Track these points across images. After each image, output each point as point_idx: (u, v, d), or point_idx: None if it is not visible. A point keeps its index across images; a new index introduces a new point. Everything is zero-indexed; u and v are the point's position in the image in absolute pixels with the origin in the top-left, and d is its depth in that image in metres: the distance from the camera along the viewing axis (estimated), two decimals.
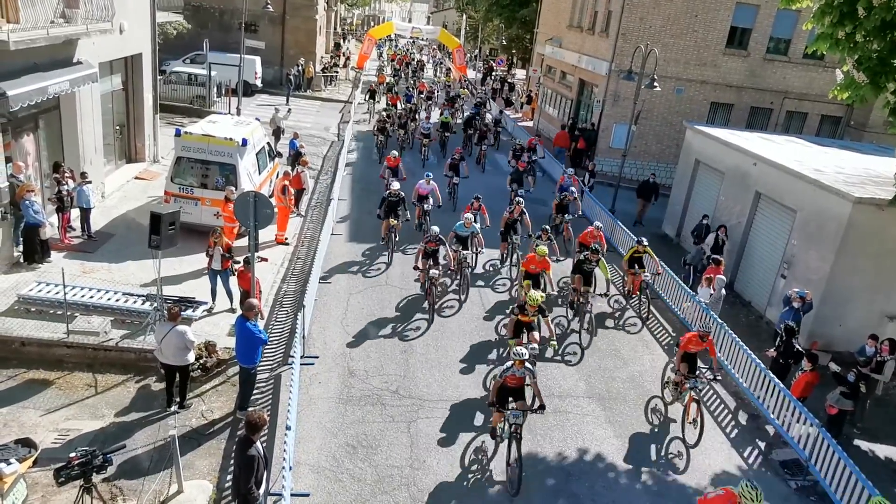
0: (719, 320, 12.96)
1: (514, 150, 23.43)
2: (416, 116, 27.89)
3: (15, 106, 11.71)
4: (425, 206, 16.94)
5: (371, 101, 33.35)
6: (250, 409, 9.30)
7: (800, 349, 11.88)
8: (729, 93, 26.18)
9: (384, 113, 26.84)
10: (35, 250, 12.97)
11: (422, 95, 35.69)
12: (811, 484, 9.88)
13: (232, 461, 8.41)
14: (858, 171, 16.14)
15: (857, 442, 11.38)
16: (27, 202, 12.46)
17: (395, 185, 16.12)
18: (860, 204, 13.09)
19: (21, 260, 13.00)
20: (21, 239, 13.04)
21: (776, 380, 11.03)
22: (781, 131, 25.12)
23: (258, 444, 7.11)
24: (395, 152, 19.25)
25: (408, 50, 66.35)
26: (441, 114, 28.24)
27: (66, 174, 14.15)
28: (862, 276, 13.45)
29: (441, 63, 59.20)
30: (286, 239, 16.20)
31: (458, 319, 13.44)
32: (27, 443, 7.82)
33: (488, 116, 32.16)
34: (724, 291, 14.23)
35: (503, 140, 29.13)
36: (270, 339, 11.91)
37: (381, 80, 38.06)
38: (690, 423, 10.57)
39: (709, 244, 15.95)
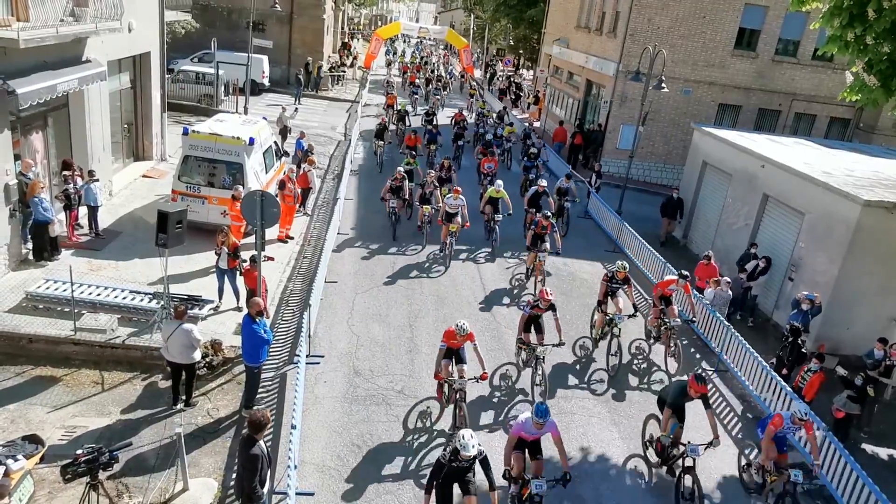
0: (726, 322, 12.92)
1: (608, 279, 12.65)
2: (452, 177, 18.58)
3: (24, 104, 11.77)
4: (533, 486, 7.98)
5: (380, 142, 22.91)
6: (254, 407, 9.34)
7: (803, 351, 11.82)
8: (737, 94, 26.08)
9: (403, 170, 17.65)
10: (44, 247, 13.04)
11: (455, 128, 25.76)
12: (817, 488, 9.81)
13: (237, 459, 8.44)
14: (867, 173, 16.05)
15: (863, 446, 11.32)
16: (37, 199, 12.53)
17: (472, 447, 7.32)
18: (869, 207, 13.02)
19: (30, 257, 13.08)
20: (29, 236, 13.11)
21: (783, 382, 10.99)
22: (790, 133, 25.02)
23: (261, 442, 7.12)
24: (467, 325, 9.79)
25: (424, 58, 57.03)
26: (486, 177, 19.60)
27: (76, 172, 14.23)
28: (870, 279, 13.37)
29: (463, 77, 48.87)
30: (287, 236, 16.18)
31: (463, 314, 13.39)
32: (34, 439, 7.85)
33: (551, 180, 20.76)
34: (730, 293, 14.17)
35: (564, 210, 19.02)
36: (276, 337, 11.94)
37: (389, 103, 30.59)
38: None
39: (748, 269, 15.09)
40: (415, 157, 20.23)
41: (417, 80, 39.59)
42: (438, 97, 36.89)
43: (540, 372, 10.81)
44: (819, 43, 19.51)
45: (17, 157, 12.84)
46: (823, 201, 14.14)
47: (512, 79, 48.81)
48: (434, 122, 26.12)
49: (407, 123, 26.71)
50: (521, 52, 53.10)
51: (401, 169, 17.52)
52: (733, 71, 25.71)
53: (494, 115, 30.11)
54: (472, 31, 63.97)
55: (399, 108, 28.28)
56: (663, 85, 19.23)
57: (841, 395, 10.85)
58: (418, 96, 36.15)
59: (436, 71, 49.95)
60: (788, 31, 25.28)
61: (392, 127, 26.33)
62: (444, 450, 7.68)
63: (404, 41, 69.95)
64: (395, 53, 58.91)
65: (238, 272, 12.36)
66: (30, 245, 13.15)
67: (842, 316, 13.64)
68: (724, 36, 25.22)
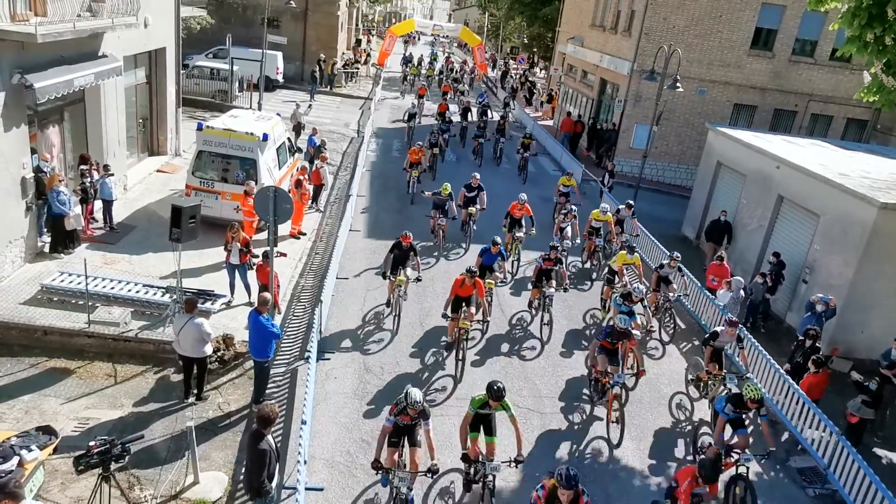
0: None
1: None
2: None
3: (42, 98, 11.88)
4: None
5: (401, 277, 12.41)
6: (263, 402, 9.38)
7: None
8: (752, 94, 25.87)
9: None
10: (59, 240, 13.17)
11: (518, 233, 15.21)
12: (829, 492, 9.75)
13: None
14: (885, 175, 15.88)
15: (877, 451, 11.21)
16: (55, 192, 12.65)
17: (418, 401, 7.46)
18: (886, 209, 12.87)
19: (47, 249, 13.21)
20: (45, 229, 13.24)
21: (795, 386, 10.90)
22: (806, 134, 24.79)
23: (269, 437, 7.15)
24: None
25: (451, 71, 44.17)
26: None
27: (92, 166, 14.36)
28: (886, 282, 13.22)
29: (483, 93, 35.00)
30: (298, 232, 16.23)
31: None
32: (48, 430, 7.94)
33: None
34: (742, 293, 14.08)
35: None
36: (287, 333, 12.00)
37: (413, 160, 19.16)
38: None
39: (770, 272, 14.67)
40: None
41: (448, 112, 26.99)
42: (481, 139, 23.89)
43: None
44: (837, 43, 19.32)
45: (33, 151, 12.96)
46: (839, 203, 14.00)
47: (526, 76, 48.71)
48: (479, 202, 16.20)
49: (450, 214, 15.81)
50: (535, 50, 52.96)
51: (417, 399, 7.76)
52: (749, 71, 25.50)
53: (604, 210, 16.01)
54: (485, 28, 63.91)
55: (440, 192, 15.65)
56: (678, 84, 19.10)
57: (855, 400, 10.72)
58: (451, 134, 24.92)
59: (466, 90, 36.91)
60: (806, 30, 25.05)
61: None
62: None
63: (417, 38, 68.07)
64: (408, 62, 44.45)
65: (249, 267, 12.43)
66: (46, 238, 13.28)
67: (856, 319, 13.50)
68: (741, 35, 25.02)
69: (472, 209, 16.00)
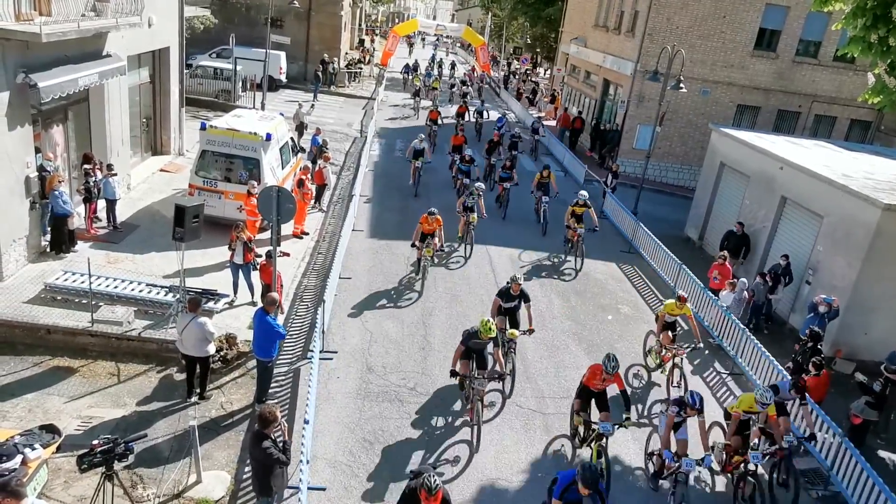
0: (741, 325, 12.82)
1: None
2: None
3: (46, 97, 11.90)
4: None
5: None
6: (265, 401, 9.40)
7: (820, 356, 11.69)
8: (756, 95, 25.84)
9: None
10: (62, 240, 13.19)
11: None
12: (832, 494, 9.73)
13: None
14: (888, 177, 15.85)
15: (880, 452, 11.18)
16: (56, 193, 12.67)
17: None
18: (889, 211, 12.85)
19: (48, 249, 13.23)
20: (48, 228, 13.27)
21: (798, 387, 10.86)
22: (809, 135, 24.75)
23: (272, 437, 7.16)
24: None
25: (463, 84, 38.08)
26: None
27: (96, 166, 14.39)
28: (889, 284, 13.19)
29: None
30: (302, 232, 16.25)
31: (477, 318, 13.36)
32: (51, 429, 7.97)
33: None
34: (745, 294, 14.06)
35: None
36: (290, 333, 12.02)
37: (427, 230, 14.14)
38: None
39: (769, 272, 14.68)
40: None
41: (467, 150, 20.79)
42: (506, 185, 18.98)
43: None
44: (841, 44, 19.30)
45: (37, 150, 12.99)
46: (843, 204, 13.97)
47: (528, 75, 48.67)
48: (524, 321, 11.52)
49: (490, 369, 10.12)
50: (538, 50, 52.93)
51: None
52: (753, 72, 25.47)
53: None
54: (488, 28, 63.87)
55: (477, 331, 9.69)
56: (681, 85, 19.07)
57: (859, 402, 10.71)
58: (473, 180, 18.69)
59: (484, 108, 31.21)
60: (810, 31, 25.01)
61: None
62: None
63: (421, 39, 67.69)
64: (414, 70, 40.70)
65: (253, 267, 12.45)
66: (48, 237, 13.31)
67: (860, 321, 13.47)
68: (744, 36, 25.00)
69: (513, 331, 11.05)
